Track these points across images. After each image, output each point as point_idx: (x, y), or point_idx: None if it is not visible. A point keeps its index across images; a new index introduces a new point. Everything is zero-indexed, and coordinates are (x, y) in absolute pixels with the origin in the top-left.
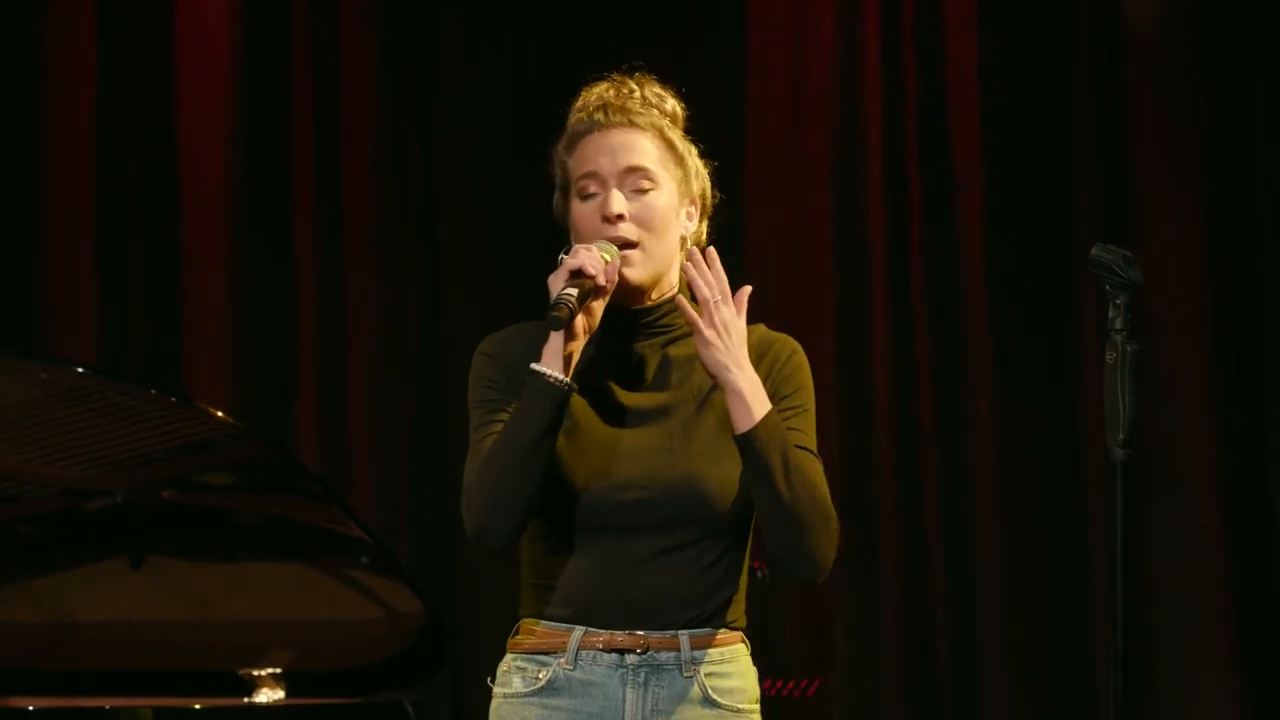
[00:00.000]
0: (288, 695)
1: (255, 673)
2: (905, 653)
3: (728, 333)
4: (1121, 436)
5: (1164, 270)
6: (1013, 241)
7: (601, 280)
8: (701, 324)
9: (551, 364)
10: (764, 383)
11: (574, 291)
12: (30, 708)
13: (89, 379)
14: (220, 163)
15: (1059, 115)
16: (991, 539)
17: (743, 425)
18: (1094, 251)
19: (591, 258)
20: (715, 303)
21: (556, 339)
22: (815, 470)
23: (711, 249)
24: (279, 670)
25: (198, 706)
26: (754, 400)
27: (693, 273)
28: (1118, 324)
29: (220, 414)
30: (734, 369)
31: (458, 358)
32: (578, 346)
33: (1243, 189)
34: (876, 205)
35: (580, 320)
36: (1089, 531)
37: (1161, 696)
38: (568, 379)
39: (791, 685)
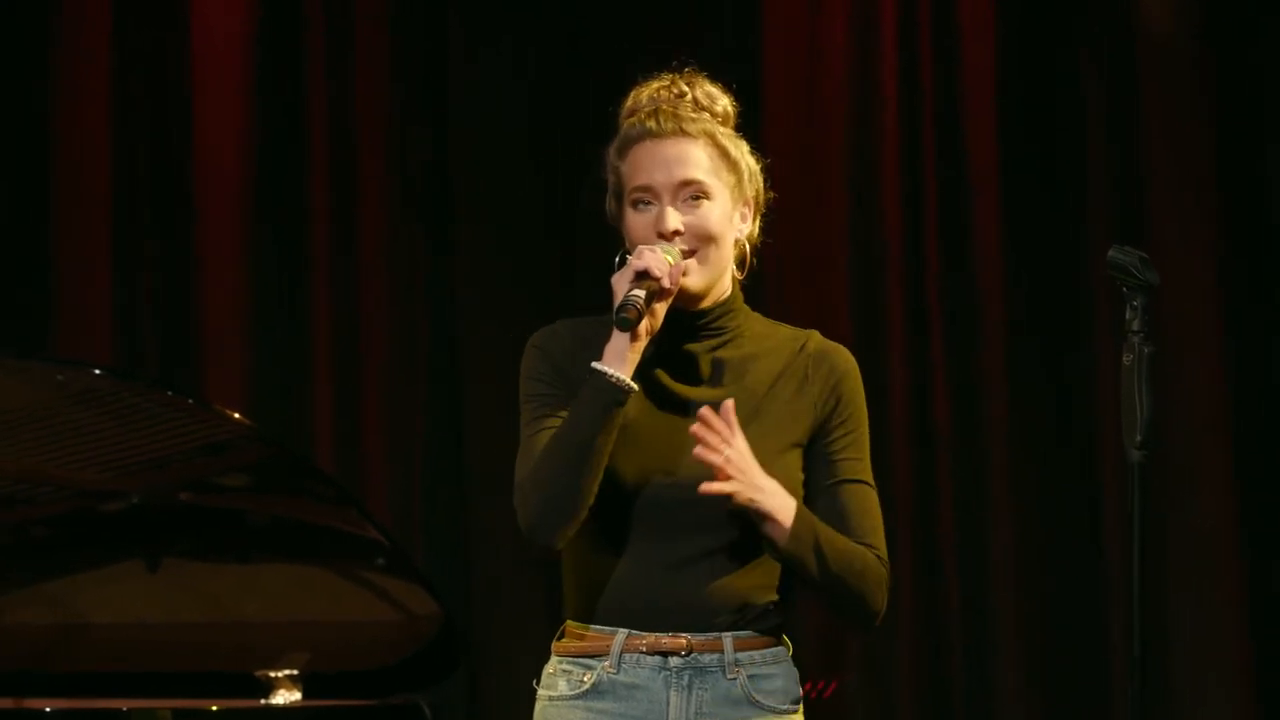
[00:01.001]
0: (304, 696)
1: (271, 674)
2: (920, 654)
3: (742, 468)
4: (1139, 438)
5: (1177, 271)
6: (1027, 243)
7: (666, 283)
8: (725, 487)
9: (614, 364)
10: (818, 395)
11: (641, 293)
12: (48, 709)
13: (104, 380)
14: (235, 165)
15: (1073, 117)
16: (1006, 541)
17: (779, 540)
18: (1111, 253)
19: (656, 259)
20: (726, 459)
21: (620, 339)
22: (852, 548)
23: (707, 411)
24: (295, 671)
25: (214, 708)
26: (782, 513)
27: (703, 446)
28: (1135, 325)
29: (236, 415)
30: (757, 493)
31: (471, 360)
32: (640, 348)
33: (1256, 190)
34: (892, 208)
35: (644, 322)
36: (1103, 534)
37: (1172, 697)
38: (629, 380)
39: (808, 687)
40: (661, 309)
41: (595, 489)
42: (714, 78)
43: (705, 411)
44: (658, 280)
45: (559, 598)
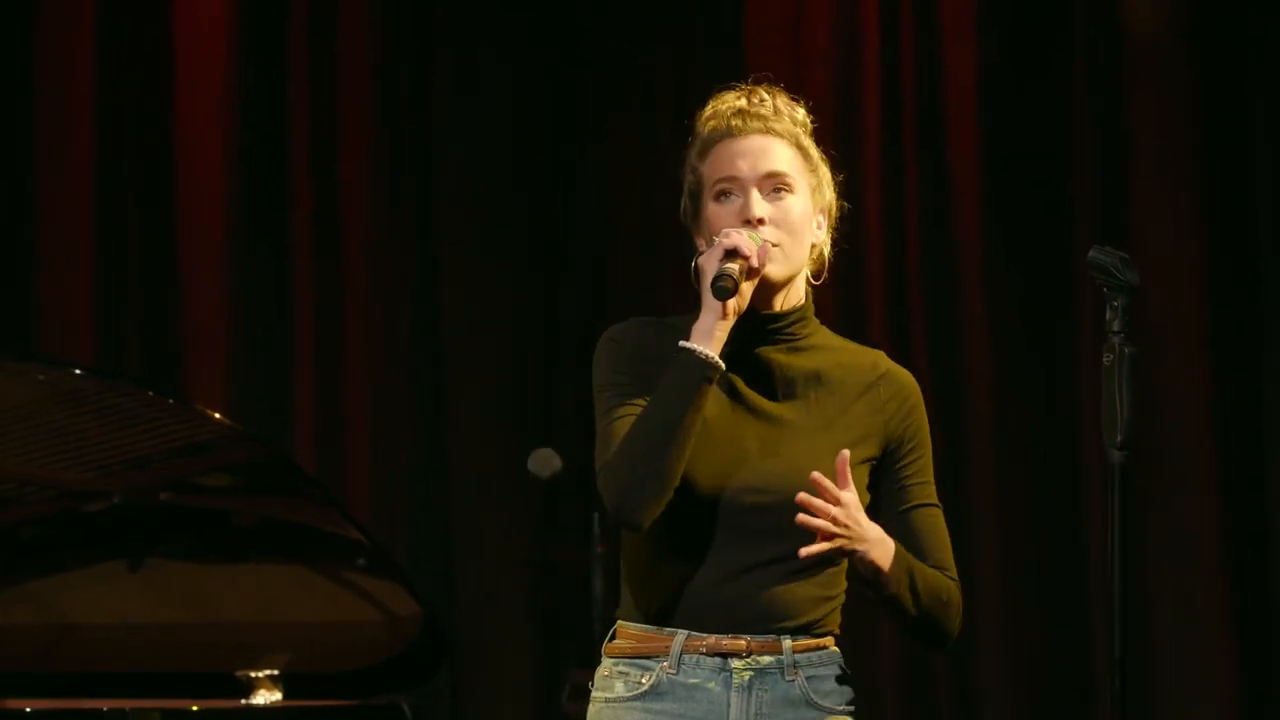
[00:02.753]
0: (285, 697)
1: (252, 674)
2: (906, 654)
3: (849, 525)
4: (1119, 439)
5: (1165, 272)
6: (1011, 245)
7: (755, 261)
8: (825, 546)
9: (702, 342)
10: (891, 417)
11: (735, 266)
12: (28, 709)
13: (87, 380)
14: (218, 164)
15: (1057, 119)
16: (991, 541)
17: (883, 586)
18: (1092, 254)
19: (744, 239)
20: (833, 519)
21: (707, 318)
22: (939, 580)
23: (819, 476)
24: (276, 672)
25: (195, 708)
26: (884, 560)
27: (806, 512)
28: (1115, 326)
29: (218, 416)
30: (862, 544)
31: (455, 359)
32: (727, 327)
33: (1242, 190)
34: (875, 207)
35: (732, 300)
36: (1088, 534)
37: (1160, 698)
38: (717, 358)
39: None
40: (749, 289)
41: (682, 468)
42: (712, 78)
43: (817, 476)
44: (747, 259)
45: (555, 599)
